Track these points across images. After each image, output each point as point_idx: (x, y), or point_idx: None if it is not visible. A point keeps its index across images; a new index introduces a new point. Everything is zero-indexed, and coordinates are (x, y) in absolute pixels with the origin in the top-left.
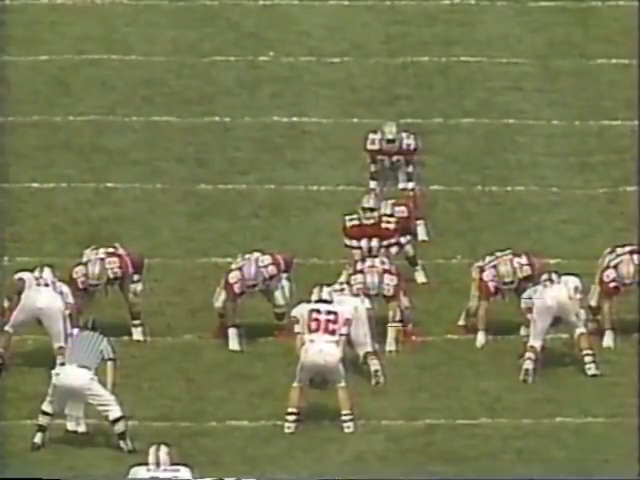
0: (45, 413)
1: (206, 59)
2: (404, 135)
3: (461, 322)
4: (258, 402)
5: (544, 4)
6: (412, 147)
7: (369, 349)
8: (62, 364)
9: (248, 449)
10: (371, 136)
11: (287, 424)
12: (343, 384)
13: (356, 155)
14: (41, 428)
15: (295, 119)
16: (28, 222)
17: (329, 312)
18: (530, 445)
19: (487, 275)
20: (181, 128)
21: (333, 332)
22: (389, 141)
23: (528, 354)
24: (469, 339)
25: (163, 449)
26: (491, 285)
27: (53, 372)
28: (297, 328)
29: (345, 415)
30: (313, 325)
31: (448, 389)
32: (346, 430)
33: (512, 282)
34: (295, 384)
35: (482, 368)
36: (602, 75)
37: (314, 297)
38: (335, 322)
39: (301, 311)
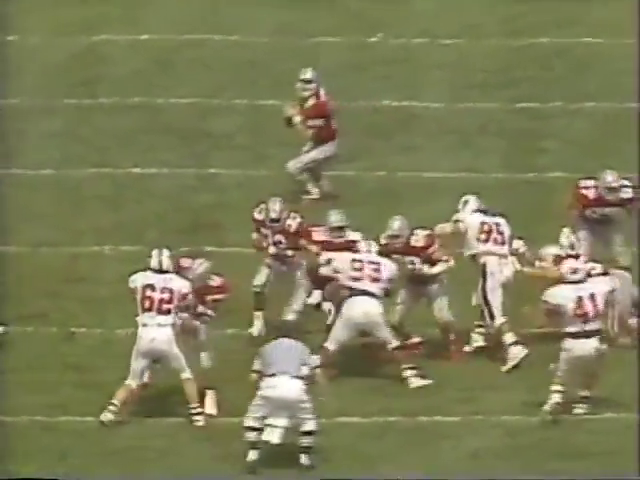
0: (252, 429)
1: (312, 40)
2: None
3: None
4: (369, 398)
5: None
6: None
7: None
8: (272, 375)
9: (359, 446)
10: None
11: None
12: (187, 375)
13: (471, 140)
14: (253, 445)
15: (406, 103)
16: (130, 209)
17: (164, 289)
18: None
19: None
20: None
21: (167, 312)
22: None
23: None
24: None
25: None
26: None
27: (263, 384)
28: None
29: (193, 408)
30: (146, 303)
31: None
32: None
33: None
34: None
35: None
36: None
37: (152, 263)
38: (170, 301)
39: (136, 283)
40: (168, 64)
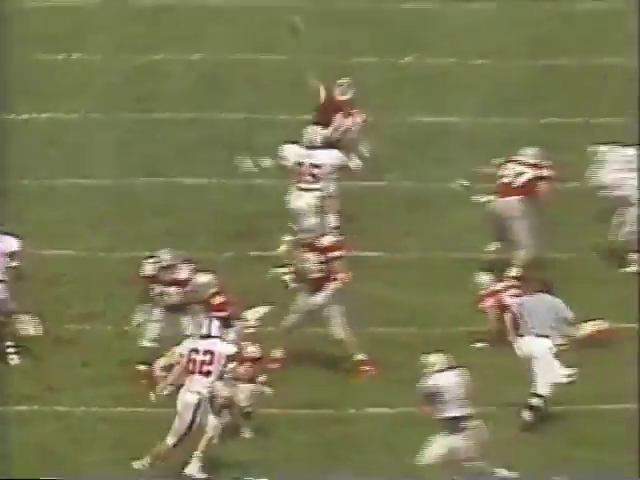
0: (538, 396)
1: (352, 60)
2: None
3: None
4: (399, 388)
5: None
6: None
7: None
8: (521, 335)
9: (390, 436)
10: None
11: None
12: (211, 434)
13: (496, 153)
14: (533, 408)
15: (438, 119)
16: (180, 216)
17: (206, 352)
18: None
19: None
20: None
21: (208, 373)
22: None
23: None
24: None
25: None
26: None
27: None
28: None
29: (196, 457)
30: (190, 366)
31: None
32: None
33: None
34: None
35: None
36: None
37: (202, 330)
38: (210, 363)
39: (184, 348)
40: (218, 82)
